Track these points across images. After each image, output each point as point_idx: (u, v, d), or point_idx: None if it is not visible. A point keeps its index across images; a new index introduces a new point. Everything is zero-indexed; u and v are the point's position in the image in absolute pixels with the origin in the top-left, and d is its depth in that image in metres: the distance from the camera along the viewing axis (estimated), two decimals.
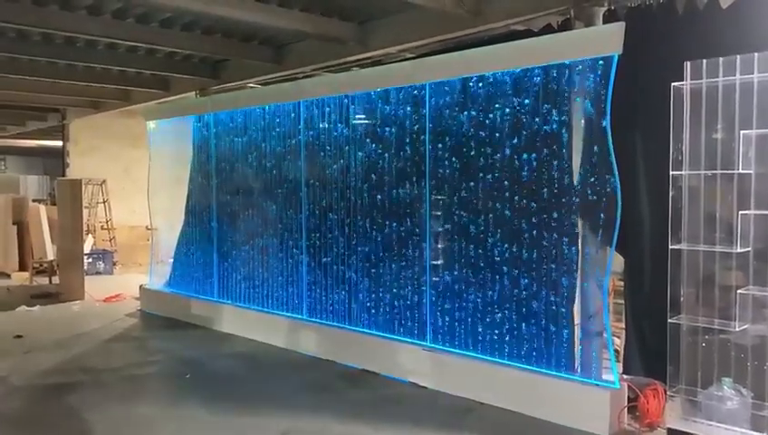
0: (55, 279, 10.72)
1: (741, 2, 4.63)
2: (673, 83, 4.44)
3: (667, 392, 4.64)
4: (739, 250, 4.29)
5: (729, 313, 4.38)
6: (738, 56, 4.23)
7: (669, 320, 4.51)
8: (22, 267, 12.22)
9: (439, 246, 5.89)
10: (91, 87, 10.57)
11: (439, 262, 5.89)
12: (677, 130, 4.47)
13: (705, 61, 4.34)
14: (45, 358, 6.68)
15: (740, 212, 4.29)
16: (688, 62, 4.40)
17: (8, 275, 11.95)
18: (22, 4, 6.23)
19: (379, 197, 6.33)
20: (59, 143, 15.66)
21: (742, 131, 4.26)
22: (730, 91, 4.27)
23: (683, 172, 4.49)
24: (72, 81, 9.71)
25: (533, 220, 5.16)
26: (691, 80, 4.40)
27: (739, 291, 4.31)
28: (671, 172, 4.51)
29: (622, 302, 5.53)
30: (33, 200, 15.02)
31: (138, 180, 11.74)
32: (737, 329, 4.31)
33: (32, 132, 17.18)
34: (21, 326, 7.98)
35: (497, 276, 5.41)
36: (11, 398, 5.49)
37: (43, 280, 11.14)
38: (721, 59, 4.28)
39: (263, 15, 6.18)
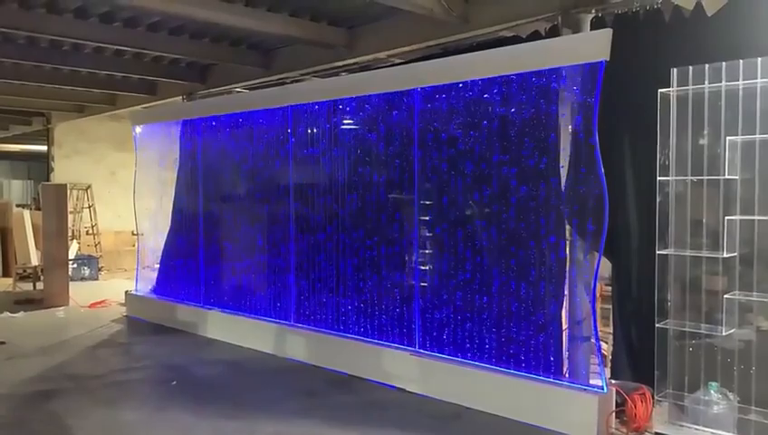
0: (39, 285, 10.59)
1: (726, 10, 4.68)
2: (659, 90, 4.49)
3: (655, 397, 4.66)
4: (725, 255, 4.33)
5: (715, 317, 4.42)
6: (724, 63, 4.29)
7: (657, 325, 4.54)
8: (5, 273, 12.09)
9: (427, 251, 5.89)
10: (77, 91, 10.52)
11: (427, 267, 5.89)
12: (664, 136, 4.52)
13: (691, 67, 4.39)
14: (29, 365, 6.59)
15: (726, 217, 4.34)
16: (675, 69, 4.45)
17: None
18: (7, 7, 6.18)
19: (367, 202, 6.32)
20: (43, 148, 15.52)
21: (728, 137, 4.32)
22: (716, 97, 4.33)
23: (669, 178, 4.54)
24: (57, 84, 9.64)
25: (521, 226, 5.17)
26: (677, 86, 4.45)
27: (725, 296, 4.35)
28: (658, 178, 4.56)
29: (610, 307, 5.56)
30: (18, 205, 14.87)
31: (123, 185, 11.68)
32: (723, 334, 4.35)
33: (16, 136, 17.03)
34: (4, 333, 7.87)
35: (485, 282, 5.41)
36: None
37: (27, 286, 11.00)
38: (707, 66, 4.33)
39: (252, 20, 6.18)
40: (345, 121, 6.59)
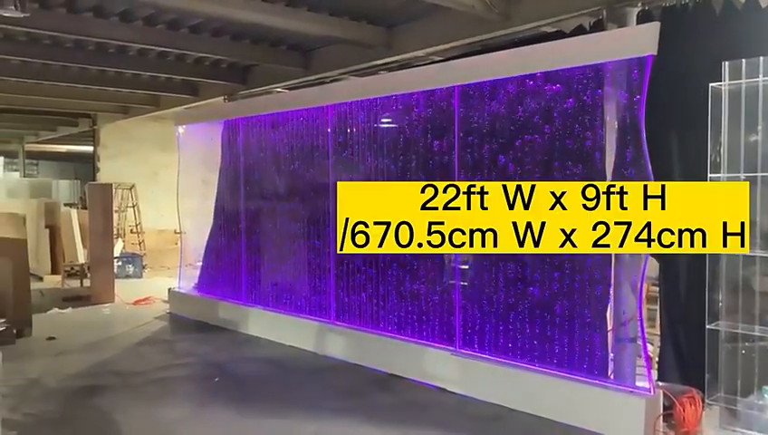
0: (86, 282, 10.87)
1: None
2: (710, 84, 4.35)
3: (705, 400, 4.53)
4: None
5: None
6: None
7: (707, 326, 4.40)
8: (54, 270, 12.43)
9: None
10: (122, 92, 10.76)
11: (468, 267, 5.83)
12: (715, 132, 4.38)
13: (744, 61, 4.24)
14: (76, 360, 6.76)
15: None
16: (726, 63, 4.31)
17: (41, 278, 12.15)
18: (55, 12, 6.34)
19: None
20: (89, 148, 15.94)
21: None
22: None
23: (721, 175, 4.40)
24: (103, 86, 9.88)
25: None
26: (729, 80, 4.31)
27: None
28: (709, 175, 4.42)
29: (656, 308, 5.43)
30: (65, 205, 15.27)
31: (166, 184, 11.89)
32: None
33: (63, 138, 17.51)
34: (54, 328, 8.09)
35: (528, 281, 5.33)
36: (43, 399, 5.56)
37: (75, 283, 11.30)
38: (761, 58, 4.18)
39: (292, 21, 6.21)
40: (385, 120, 6.58)
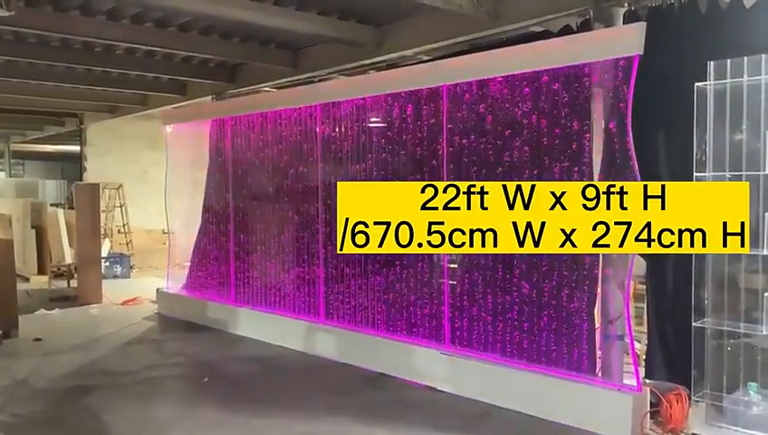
0: (73, 283, 10.79)
1: (765, 1, 4.56)
2: (696, 84, 4.40)
3: (691, 397, 4.57)
4: (765, 253, 4.23)
5: (755, 316, 4.32)
6: (763, 55, 4.18)
7: (694, 323, 4.45)
8: (40, 271, 12.33)
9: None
10: (109, 92, 10.70)
11: (457, 265, 5.85)
12: (701, 131, 4.43)
13: (729, 60, 4.29)
14: (64, 360, 6.71)
15: (766, 214, 4.23)
16: (712, 62, 4.35)
17: (27, 279, 12.05)
18: (42, 10, 6.30)
19: None
20: (76, 148, 15.82)
21: (767, 132, 4.20)
22: (755, 91, 4.23)
23: (707, 174, 4.44)
24: (90, 85, 9.81)
25: None
26: (715, 80, 4.36)
27: (766, 294, 4.24)
28: (695, 174, 4.47)
29: (643, 306, 5.47)
30: (52, 205, 15.16)
31: (155, 184, 11.84)
32: (764, 333, 4.24)
33: (50, 137, 17.38)
34: (40, 329, 8.02)
35: (516, 279, 5.36)
36: (31, 400, 5.52)
37: (62, 283, 11.22)
38: (746, 58, 4.23)
39: (281, 19, 6.20)
40: (373, 119, 6.58)
